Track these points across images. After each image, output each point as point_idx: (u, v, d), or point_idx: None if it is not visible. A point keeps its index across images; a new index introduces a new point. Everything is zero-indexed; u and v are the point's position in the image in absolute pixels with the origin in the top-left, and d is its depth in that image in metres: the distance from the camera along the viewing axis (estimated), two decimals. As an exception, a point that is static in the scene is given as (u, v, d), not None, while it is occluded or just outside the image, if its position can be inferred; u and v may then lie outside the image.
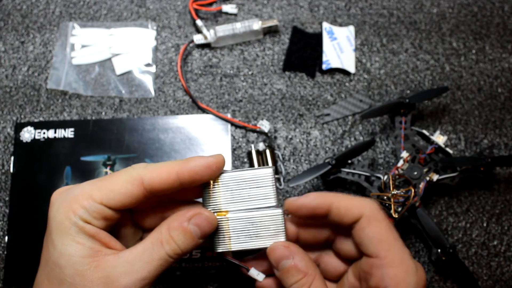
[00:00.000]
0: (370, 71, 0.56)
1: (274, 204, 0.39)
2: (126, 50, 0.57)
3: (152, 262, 0.37)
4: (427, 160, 0.49)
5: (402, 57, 0.57)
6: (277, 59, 0.57)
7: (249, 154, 0.52)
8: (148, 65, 0.56)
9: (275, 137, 0.53)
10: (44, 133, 0.53)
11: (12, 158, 0.52)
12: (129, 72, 0.56)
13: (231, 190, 0.39)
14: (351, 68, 0.56)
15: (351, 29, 0.57)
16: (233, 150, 0.53)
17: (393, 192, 0.46)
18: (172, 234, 0.37)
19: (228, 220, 0.39)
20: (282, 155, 0.53)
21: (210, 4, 0.58)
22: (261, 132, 0.53)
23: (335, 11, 0.59)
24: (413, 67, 0.56)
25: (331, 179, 0.50)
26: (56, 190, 0.38)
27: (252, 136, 0.54)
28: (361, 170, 0.49)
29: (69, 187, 0.38)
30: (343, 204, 0.38)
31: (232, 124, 0.54)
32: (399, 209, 0.46)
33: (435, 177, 0.49)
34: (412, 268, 0.36)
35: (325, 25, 0.57)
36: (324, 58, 0.56)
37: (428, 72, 0.56)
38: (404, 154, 0.49)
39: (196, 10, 0.58)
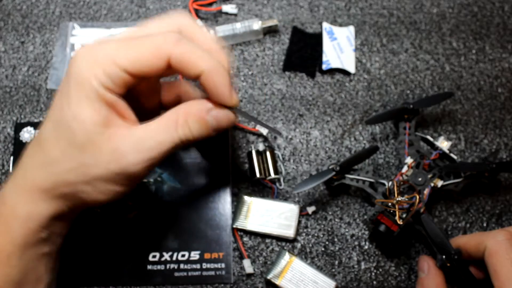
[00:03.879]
0: (370, 71, 0.56)
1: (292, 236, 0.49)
2: (126, 50, 0.57)
3: (163, 143, 0.36)
4: (432, 166, 0.49)
5: (402, 57, 0.57)
6: (277, 59, 0.57)
7: (249, 154, 0.52)
8: (148, 65, 0.56)
9: (275, 137, 0.53)
10: None
11: (12, 158, 0.52)
12: (129, 72, 0.56)
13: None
14: (351, 68, 0.56)
15: (351, 29, 0.57)
16: (233, 150, 0.53)
17: (397, 199, 0.46)
18: (189, 120, 0.37)
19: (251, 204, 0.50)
20: (282, 155, 0.53)
21: (210, 4, 0.58)
22: (260, 134, 0.53)
23: (335, 11, 0.59)
24: (413, 67, 0.56)
25: (335, 186, 0.50)
26: (81, 48, 0.36)
27: (252, 136, 0.54)
28: (365, 176, 0.49)
29: (93, 47, 0.35)
30: (470, 242, 0.44)
31: (232, 125, 0.54)
32: (404, 215, 0.46)
33: (440, 183, 0.48)
34: None
35: (325, 25, 0.57)
36: (324, 58, 0.56)
37: (428, 72, 0.56)
38: (409, 160, 0.49)
39: (196, 10, 0.58)
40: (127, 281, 0.49)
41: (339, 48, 0.56)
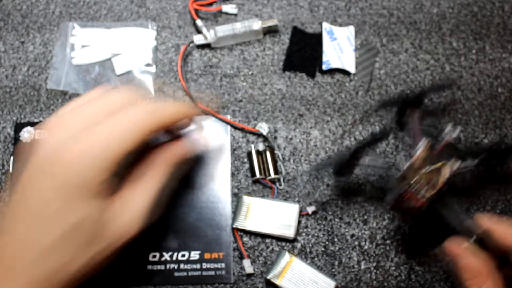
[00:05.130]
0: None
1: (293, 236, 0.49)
2: (126, 50, 0.57)
3: (150, 198, 0.40)
4: (443, 152, 0.47)
5: (402, 57, 0.57)
6: (277, 59, 0.57)
7: (249, 154, 0.52)
8: (148, 65, 0.56)
9: (275, 137, 0.54)
10: (44, 133, 0.53)
11: (12, 158, 0.52)
12: (129, 72, 0.56)
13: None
14: (351, 68, 0.56)
15: (351, 29, 0.57)
16: (233, 150, 0.53)
17: (428, 168, 0.44)
18: (166, 166, 0.41)
19: (251, 204, 0.50)
20: (282, 155, 0.53)
21: (210, 4, 0.58)
22: (260, 134, 0.53)
23: (335, 11, 0.59)
24: (413, 67, 0.56)
25: (345, 176, 0.48)
26: (71, 152, 0.36)
27: (252, 136, 0.54)
28: (381, 161, 0.48)
29: (84, 148, 0.36)
30: (501, 230, 0.41)
31: (231, 125, 0.54)
32: (426, 194, 0.44)
33: (457, 163, 0.46)
34: None
35: (325, 25, 0.57)
36: (324, 58, 0.56)
37: (428, 72, 0.56)
38: (423, 142, 0.47)
39: (196, 10, 0.58)
40: (127, 281, 0.49)
41: (339, 48, 0.56)
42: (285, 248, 0.50)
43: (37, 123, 0.53)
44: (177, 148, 0.43)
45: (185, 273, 0.49)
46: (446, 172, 0.45)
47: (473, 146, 0.49)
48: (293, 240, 0.50)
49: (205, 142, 0.43)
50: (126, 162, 0.39)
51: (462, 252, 0.41)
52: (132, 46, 0.57)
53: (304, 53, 0.57)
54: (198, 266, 0.49)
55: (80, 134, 0.37)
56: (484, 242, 0.41)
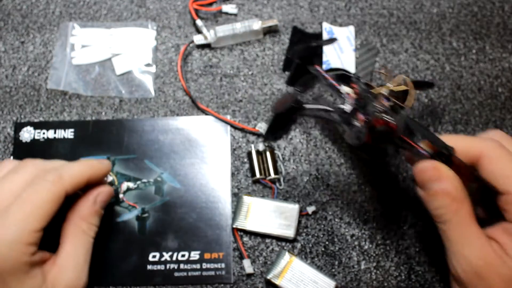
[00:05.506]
0: (370, 71, 0.56)
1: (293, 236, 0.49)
2: (126, 50, 0.57)
3: (86, 251, 0.42)
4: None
5: (402, 57, 0.57)
6: (277, 59, 0.57)
7: (249, 154, 0.52)
8: (148, 65, 0.56)
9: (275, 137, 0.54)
10: (44, 133, 0.53)
11: (12, 158, 0.52)
12: (129, 72, 0.56)
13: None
14: (351, 68, 0.56)
15: (351, 29, 0.57)
16: (233, 150, 0.53)
17: (390, 84, 0.40)
18: (88, 219, 0.43)
19: (251, 204, 0.50)
20: (282, 155, 0.53)
21: (210, 4, 0.58)
22: (260, 135, 0.53)
23: (335, 11, 0.59)
24: (413, 67, 0.56)
25: (291, 117, 0.45)
26: None
27: (252, 136, 0.54)
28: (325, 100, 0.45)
29: (2, 232, 0.38)
30: (461, 146, 0.38)
31: (231, 125, 0.54)
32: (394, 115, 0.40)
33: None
34: None
35: (325, 25, 0.57)
36: (324, 58, 0.56)
37: (428, 72, 0.56)
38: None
39: (196, 10, 0.58)
40: (127, 281, 0.49)
41: (339, 48, 0.56)
42: (285, 248, 0.50)
43: (36, 123, 0.53)
44: (97, 196, 0.44)
45: (185, 273, 0.49)
46: (411, 89, 0.41)
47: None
48: (293, 240, 0.50)
49: (111, 192, 0.46)
50: (49, 224, 0.40)
51: (438, 175, 0.38)
52: (132, 46, 0.57)
53: (304, 53, 0.56)
54: (198, 266, 0.49)
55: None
56: (451, 161, 0.38)
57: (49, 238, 0.40)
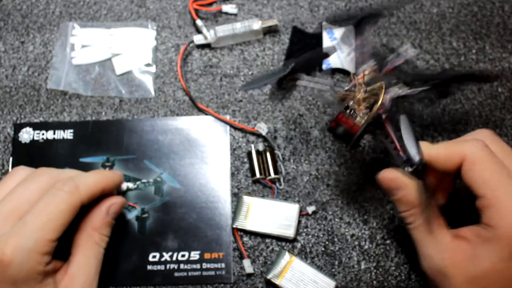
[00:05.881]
0: (370, 71, 0.56)
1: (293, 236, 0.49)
2: (126, 50, 0.57)
3: (97, 262, 0.42)
4: (396, 72, 0.45)
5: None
6: (277, 59, 0.57)
7: (249, 154, 0.52)
8: (148, 65, 0.56)
9: (275, 137, 0.53)
10: (43, 134, 0.53)
11: (11, 158, 0.52)
12: (129, 72, 0.56)
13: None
14: (351, 68, 0.56)
15: (351, 29, 0.57)
16: (233, 150, 0.53)
17: (363, 89, 0.41)
18: (100, 231, 0.43)
19: (251, 204, 0.50)
20: (282, 155, 0.53)
21: (210, 4, 0.58)
22: (259, 135, 0.53)
23: (335, 11, 0.59)
24: (413, 67, 0.56)
25: (286, 88, 0.45)
26: (8, 247, 0.38)
27: (252, 136, 0.54)
28: (322, 80, 0.44)
29: (20, 240, 0.38)
30: (443, 152, 0.40)
31: (231, 125, 0.54)
32: (364, 118, 0.41)
33: (405, 90, 0.44)
34: None
35: (325, 25, 0.57)
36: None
37: (428, 72, 0.56)
38: (371, 63, 0.45)
39: (196, 10, 0.58)
40: (127, 281, 0.49)
41: (339, 48, 0.56)
42: (285, 248, 0.50)
43: (36, 123, 0.53)
44: (109, 206, 0.44)
45: (185, 273, 0.49)
46: (385, 97, 0.42)
47: (424, 71, 0.46)
48: (293, 240, 0.50)
49: (124, 203, 0.46)
50: (63, 235, 0.40)
51: (397, 184, 0.41)
52: (132, 46, 0.57)
53: (304, 53, 0.56)
54: (198, 266, 0.49)
55: (10, 229, 0.38)
56: (422, 171, 0.40)
57: (60, 246, 0.40)
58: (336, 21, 0.48)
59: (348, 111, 0.42)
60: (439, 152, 0.40)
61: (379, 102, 0.41)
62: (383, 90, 0.41)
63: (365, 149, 0.53)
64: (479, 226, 0.39)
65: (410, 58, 0.46)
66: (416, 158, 0.40)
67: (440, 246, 0.40)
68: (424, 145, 0.41)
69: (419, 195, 0.40)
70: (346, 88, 0.43)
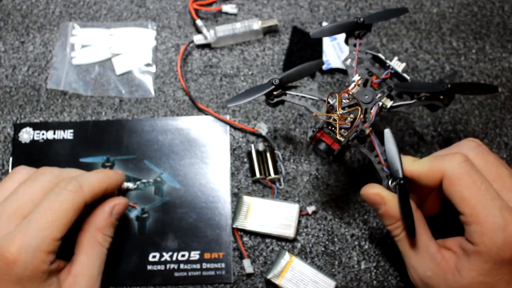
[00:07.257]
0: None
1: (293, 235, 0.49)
2: (126, 50, 0.57)
3: (100, 262, 0.43)
4: (382, 86, 0.45)
5: (402, 57, 0.57)
6: (277, 59, 0.57)
7: (249, 154, 0.52)
8: (148, 65, 0.56)
9: (275, 137, 0.54)
10: (43, 134, 0.53)
11: (11, 158, 0.52)
12: (129, 72, 0.56)
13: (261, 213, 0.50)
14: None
15: (351, 29, 0.57)
16: (233, 150, 0.53)
17: (339, 112, 0.41)
18: (103, 231, 0.43)
19: (251, 204, 0.50)
20: (282, 155, 0.53)
21: (210, 4, 0.58)
22: (259, 135, 0.53)
23: (335, 11, 0.59)
24: (413, 67, 0.56)
25: (274, 102, 0.45)
26: (14, 245, 0.38)
27: (252, 136, 0.54)
28: (308, 93, 0.45)
29: (25, 239, 0.38)
30: (424, 169, 0.40)
31: (231, 125, 0.54)
32: (345, 134, 0.42)
33: (389, 103, 0.44)
34: (499, 225, 0.36)
35: (325, 25, 0.57)
36: (324, 58, 0.56)
37: (428, 72, 0.56)
38: (356, 77, 0.45)
39: (196, 10, 0.58)
40: (127, 282, 0.49)
41: (339, 48, 0.56)
42: (285, 248, 0.50)
43: (36, 123, 0.53)
44: (112, 207, 0.45)
45: (185, 273, 0.49)
46: (370, 112, 0.43)
47: (410, 84, 0.45)
48: (293, 240, 0.50)
49: (127, 204, 0.46)
50: (67, 233, 0.40)
51: (379, 200, 0.42)
52: (132, 46, 0.57)
53: (304, 53, 0.57)
54: (198, 266, 0.49)
55: (15, 228, 0.39)
56: (403, 186, 0.41)
57: (63, 246, 0.40)
58: (323, 35, 0.48)
59: (328, 128, 0.43)
60: (420, 168, 0.41)
61: (355, 123, 0.41)
62: (360, 112, 0.41)
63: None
64: (463, 238, 0.39)
65: (398, 71, 0.46)
66: (398, 174, 0.41)
67: (424, 258, 0.41)
68: (408, 161, 0.41)
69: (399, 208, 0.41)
70: (322, 110, 0.44)
